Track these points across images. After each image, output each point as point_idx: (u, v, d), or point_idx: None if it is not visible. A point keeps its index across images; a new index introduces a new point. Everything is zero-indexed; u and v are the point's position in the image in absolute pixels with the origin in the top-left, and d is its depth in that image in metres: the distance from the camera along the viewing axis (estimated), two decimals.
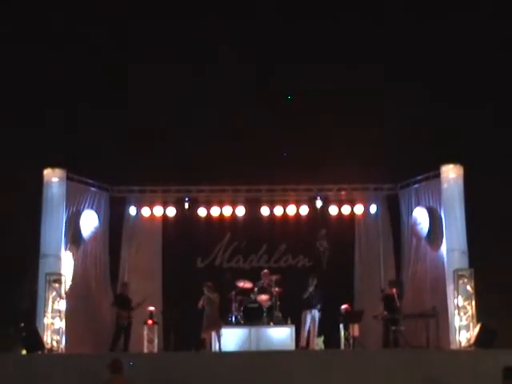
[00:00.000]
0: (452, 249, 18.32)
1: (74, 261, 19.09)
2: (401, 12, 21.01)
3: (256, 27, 20.94)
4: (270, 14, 21.12)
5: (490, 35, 20.62)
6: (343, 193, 21.39)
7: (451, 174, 18.70)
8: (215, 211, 21.20)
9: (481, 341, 16.99)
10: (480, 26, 20.56)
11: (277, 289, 19.59)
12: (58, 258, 18.26)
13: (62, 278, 18.07)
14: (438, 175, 19.06)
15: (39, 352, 16.86)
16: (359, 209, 21.37)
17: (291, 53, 20.97)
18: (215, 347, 18.23)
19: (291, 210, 21.23)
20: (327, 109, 20.72)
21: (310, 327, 18.86)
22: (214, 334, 18.34)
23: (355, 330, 18.64)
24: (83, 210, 19.74)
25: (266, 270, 20.09)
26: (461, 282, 17.86)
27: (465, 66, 20.79)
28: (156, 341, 18.94)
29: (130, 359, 14.20)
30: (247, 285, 19.77)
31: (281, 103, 20.96)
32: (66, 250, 18.66)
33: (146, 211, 21.20)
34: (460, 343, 17.61)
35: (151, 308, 19.08)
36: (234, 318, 19.30)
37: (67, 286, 18.26)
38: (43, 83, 20.43)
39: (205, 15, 20.93)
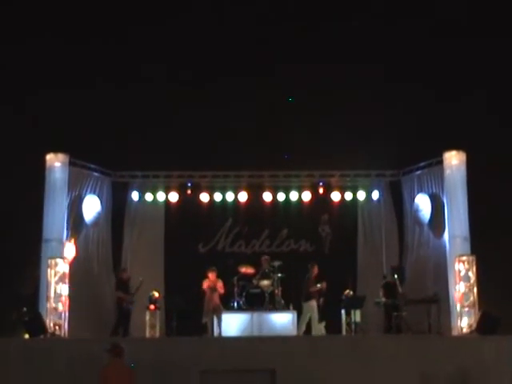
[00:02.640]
0: (454, 235, 18.33)
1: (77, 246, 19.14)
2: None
3: (253, 25, 20.95)
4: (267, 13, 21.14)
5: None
6: (346, 179, 21.40)
7: (454, 160, 18.68)
8: (218, 197, 21.21)
9: (483, 327, 17.00)
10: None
11: (279, 274, 19.63)
12: (61, 243, 18.28)
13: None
14: (440, 162, 19.05)
15: (42, 336, 16.91)
16: (362, 195, 21.38)
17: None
18: (216, 332, 18.31)
19: (293, 195, 21.24)
20: (330, 95, 20.69)
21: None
22: (215, 318, 18.43)
23: (357, 315, 18.68)
24: (85, 195, 19.75)
25: (266, 257, 20.09)
26: (463, 268, 17.87)
27: (469, 53, 20.76)
28: (158, 326, 18.95)
29: (132, 344, 14.22)
30: (249, 270, 19.81)
31: (284, 90, 20.92)
32: (68, 235, 18.67)
33: (148, 196, 21.21)
34: (462, 329, 17.64)
35: (155, 293, 19.06)
36: (236, 304, 19.34)
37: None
38: (47, 67, 20.40)
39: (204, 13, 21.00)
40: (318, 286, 19.02)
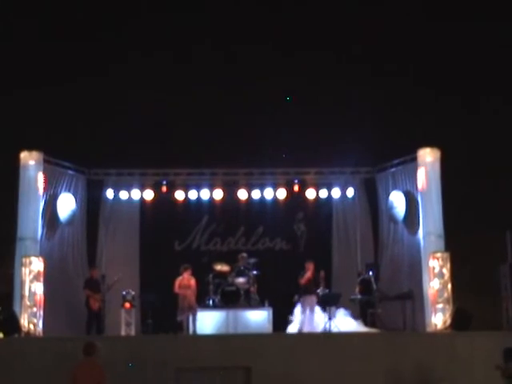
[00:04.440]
0: (428, 232, 18.39)
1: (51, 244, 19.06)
2: None
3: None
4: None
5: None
6: (321, 176, 21.42)
7: (428, 157, 18.73)
8: (193, 194, 21.17)
9: (457, 323, 17.11)
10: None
11: (254, 272, 19.66)
12: (35, 241, 18.19)
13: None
14: (414, 159, 19.10)
15: (16, 335, 16.82)
16: (336, 192, 21.40)
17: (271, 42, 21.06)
18: (191, 330, 18.30)
19: (269, 193, 21.25)
20: (304, 94, 20.78)
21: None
22: (190, 316, 18.42)
23: (332, 312, 18.73)
24: (60, 193, 19.65)
25: (244, 254, 20.12)
26: (437, 264, 17.96)
27: (446, 51, 20.93)
28: (133, 324, 18.92)
29: (108, 342, 14.16)
30: (224, 268, 19.81)
31: (259, 88, 20.97)
32: (42, 233, 18.59)
33: (123, 194, 21.11)
34: (436, 326, 17.73)
35: (130, 291, 19.01)
36: (211, 301, 19.35)
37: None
38: (21, 66, 20.34)
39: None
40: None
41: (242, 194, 21.21)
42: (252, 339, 16.22)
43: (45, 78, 20.55)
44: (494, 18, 20.84)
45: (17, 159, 18.44)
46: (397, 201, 19.88)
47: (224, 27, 21.03)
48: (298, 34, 21.10)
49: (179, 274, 18.62)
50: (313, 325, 18.48)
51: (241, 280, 19.57)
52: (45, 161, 18.76)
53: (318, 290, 18.89)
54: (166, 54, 21.10)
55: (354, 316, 19.09)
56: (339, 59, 20.80)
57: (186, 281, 18.54)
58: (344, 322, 18.23)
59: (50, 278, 18.35)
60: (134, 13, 21.08)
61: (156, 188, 21.12)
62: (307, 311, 18.63)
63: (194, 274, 18.77)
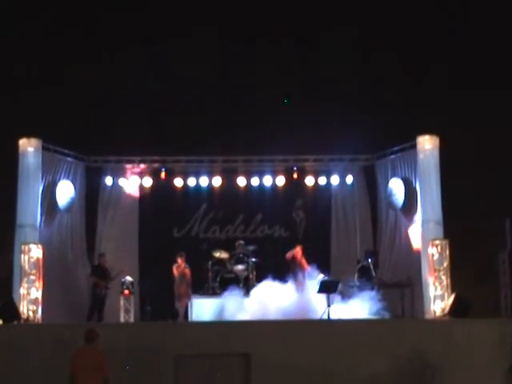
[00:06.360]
0: (427, 219, 18.40)
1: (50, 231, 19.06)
2: None
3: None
4: None
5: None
6: (320, 163, 21.41)
7: (427, 144, 18.71)
8: (192, 181, 21.16)
9: (456, 310, 17.13)
10: None
11: (253, 259, 19.67)
12: (35, 229, 18.18)
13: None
14: (414, 146, 19.08)
15: (15, 322, 16.83)
16: (336, 179, 21.40)
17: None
18: (191, 317, 18.33)
19: (267, 180, 21.23)
20: (302, 80, 20.74)
21: None
22: (188, 303, 18.46)
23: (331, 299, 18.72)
24: (59, 181, 19.63)
25: (241, 241, 20.13)
26: (436, 251, 17.97)
27: (447, 45, 20.91)
28: (132, 311, 18.92)
29: (107, 330, 14.15)
30: (223, 255, 19.82)
31: (258, 76, 20.94)
32: (41, 220, 18.58)
33: (122, 181, 21.12)
34: (435, 313, 17.75)
35: (129, 278, 19.01)
36: (210, 288, 19.34)
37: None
38: (19, 51, 20.31)
39: None
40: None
41: (241, 182, 21.20)
42: (251, 326, 16.23)
43: (43, 64, 20.51)
44: (494, 15, 20.80)
45: (15, 146, 18.42)
46: (396, 188, 19.87)
47: (224, 27, 20.98)
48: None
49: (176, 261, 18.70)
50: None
51: (240, 267, 19.60)
52: (44, 148, 18.74)
53: (318, 277, 18.90)
54: (167, 45, 21.05)
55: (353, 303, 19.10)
56: (340, 48, 20.72)
57: (182, 268, 18.61)
58: (343, 309, 18.22)
59: (49, 264, 18.36)
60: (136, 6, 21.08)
61: (155, 175, 21.11)
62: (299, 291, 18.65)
63: (192, 261, 18.84)
